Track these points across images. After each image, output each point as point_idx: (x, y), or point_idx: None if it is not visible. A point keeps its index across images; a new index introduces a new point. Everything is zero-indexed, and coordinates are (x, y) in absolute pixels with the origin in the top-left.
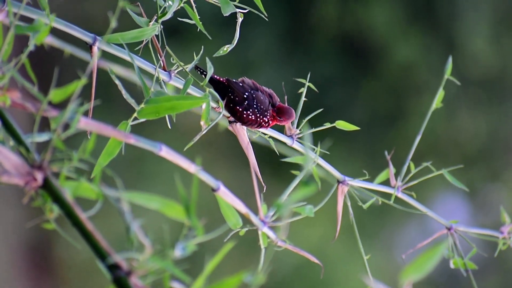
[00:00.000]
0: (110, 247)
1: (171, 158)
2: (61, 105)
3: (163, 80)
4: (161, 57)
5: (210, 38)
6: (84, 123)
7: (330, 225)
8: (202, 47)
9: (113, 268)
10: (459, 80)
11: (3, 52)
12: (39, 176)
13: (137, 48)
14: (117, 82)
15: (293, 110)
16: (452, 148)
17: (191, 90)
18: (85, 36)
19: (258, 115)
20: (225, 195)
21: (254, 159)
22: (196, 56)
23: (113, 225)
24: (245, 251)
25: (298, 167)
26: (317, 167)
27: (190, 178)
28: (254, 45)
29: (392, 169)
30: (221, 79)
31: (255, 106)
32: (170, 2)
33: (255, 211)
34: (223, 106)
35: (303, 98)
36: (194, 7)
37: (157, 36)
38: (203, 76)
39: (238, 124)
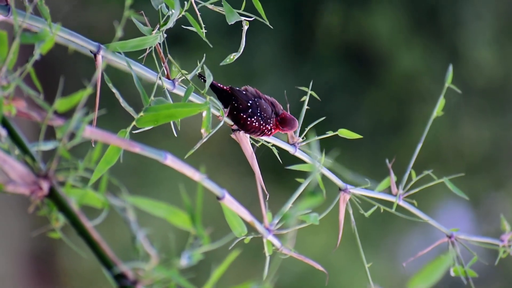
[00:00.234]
0: (115, 256)
1: (176, 167)
2: (66, 114)
3: (167, 89)
4: (163, 65)
5: (211, 46)
6: (90, 132)
7: (333, 233)
8: (204, 55)
9: (119, 277)
10: (463, 89)
11: (8, 62)
12: (45, 185)
13: (140, 57)
14: (114, 90)
15: (296, 120)
16: (455, 157)
17: (195, 98)
18: (89, 45)
19: (261, 122)
20: (230, 203)
21: (258, 168)
22: (199, 64)
23: (117, 233)
24: (249, 259)
25: (301, 174)
26: (320, 175)
27: (193, 186)
28: (258, 54)
29: (393, 177)
30: (225, 88)
31: (258, 113)
32: (173, 11)
33: (259, 219)
34: (227, 114)
35: (305, 106)
36: (198, 15)
37: (161, 44)
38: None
39: (241, 132)
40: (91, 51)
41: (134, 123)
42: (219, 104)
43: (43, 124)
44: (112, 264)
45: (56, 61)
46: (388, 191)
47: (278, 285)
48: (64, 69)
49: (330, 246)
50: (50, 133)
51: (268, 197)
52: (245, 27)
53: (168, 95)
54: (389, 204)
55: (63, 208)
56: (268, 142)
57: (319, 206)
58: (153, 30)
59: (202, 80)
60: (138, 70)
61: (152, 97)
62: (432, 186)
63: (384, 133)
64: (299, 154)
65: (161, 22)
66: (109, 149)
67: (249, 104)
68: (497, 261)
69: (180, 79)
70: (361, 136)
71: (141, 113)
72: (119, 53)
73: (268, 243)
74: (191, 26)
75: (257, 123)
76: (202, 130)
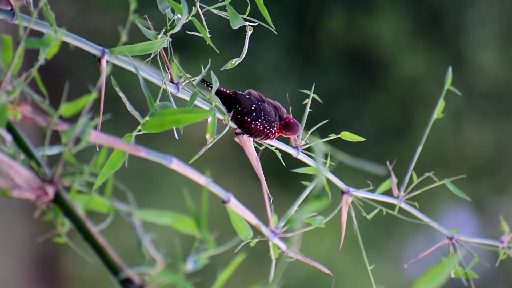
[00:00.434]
0: (121, 261)
1: (181, 171)
2: (70, 119)
3: (171, 93)
4: (168, 70)
5: (218, 52)
6: (95, 137)
7: (337, 238)
8: (210, 60)
9: (125, 282)
10: (466, 93)
11: (13, 66)
12: (51, 190)
13: (145, 61)
14: (121, 94)
15: (300, 125)
16: (459, 161)
17: (199, 103)
18: (94, 49)
19: (266, 125)
20: (236, 207)
21: (262, 173)
22: (204, 69)
23: (122, 238)
24: (253, 264)
25: (304, 178)
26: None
27: (197, 190)
28: (261, 59)
29: (394, 179)
30: (228, 92)
31: (262, 117)
32: (179, 15)
33: (264, 223)
34: (231, 117)
35: (307, 109)
36: (203, 20)
37: (165, 49)
38: (210, 89)
39: (245, 135)
40: (95, 56)
41: (139, 127)
42: (223, 109)
43: (48, 129)
44: (118, 269)
45: (61, 66)
46: (391, 193)
47: None
48: (68, 74)
49: (334, 250)
50: (55, 138)
51: (271, 200)
52: (249, 32)
53: (171, 99)
54: (392, 207)
55: (69, 213)
56: (272, 146)
57: (323, 209)
58: (158, 34)
59: (206, 84)
60: (143, 74)
61: (157, 102)
62: (437, 191)
63: (388, 138)
64: (302, 157)
65: (168, 26)
66: (114, 154)
67: (253, 108)
68: (498, 263)
69: (184, 83)
70: (364, 139)
71: (147, 118)
72: (124, 57)
73: (274, 246)
74: (195, 31)
75: (261, 126)
76: (207, 136)
